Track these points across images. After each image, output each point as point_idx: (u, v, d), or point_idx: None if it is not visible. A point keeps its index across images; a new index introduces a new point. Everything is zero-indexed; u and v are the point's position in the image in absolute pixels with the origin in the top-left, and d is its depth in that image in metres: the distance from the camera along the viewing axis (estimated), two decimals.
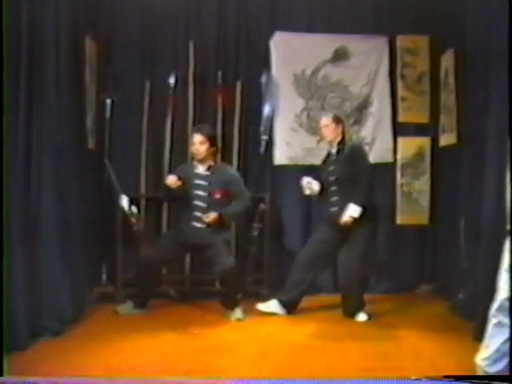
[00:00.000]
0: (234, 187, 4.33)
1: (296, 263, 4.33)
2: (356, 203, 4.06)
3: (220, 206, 4.22)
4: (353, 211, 4.07)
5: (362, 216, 4.07)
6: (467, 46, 4.22)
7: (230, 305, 4.26)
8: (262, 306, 4.27)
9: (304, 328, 3.97)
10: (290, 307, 4.30)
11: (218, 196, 4.24)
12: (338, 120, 4.30)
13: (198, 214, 4.22)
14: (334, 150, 4.30)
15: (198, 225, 4.22)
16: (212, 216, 4.15)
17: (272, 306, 4.27)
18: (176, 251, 4.35)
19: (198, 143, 4.25)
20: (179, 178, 4.19)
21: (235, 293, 4.31)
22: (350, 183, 4.13)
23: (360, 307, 4.23)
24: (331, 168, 4.25)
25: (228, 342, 3.65)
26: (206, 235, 4.19)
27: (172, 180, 4.17)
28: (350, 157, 4.19)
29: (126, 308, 4.33)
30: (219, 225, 4.19)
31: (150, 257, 4.28)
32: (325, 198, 4.29)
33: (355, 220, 4.07)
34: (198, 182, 4.27)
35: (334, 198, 4.21)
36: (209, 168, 4.31)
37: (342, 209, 4.11)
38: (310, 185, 4.25)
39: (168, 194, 4.30)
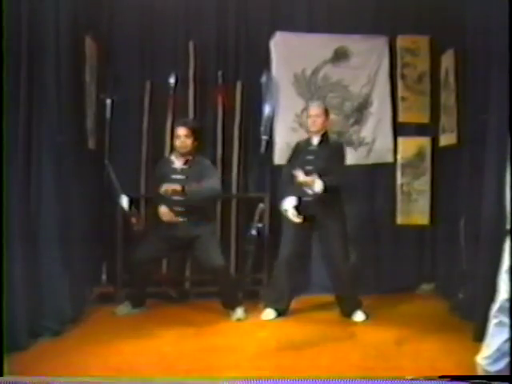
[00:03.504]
0: (208, 172, 4.28)
1: (277, 271, 4.32)
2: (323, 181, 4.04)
3: None
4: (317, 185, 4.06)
5: (331, 206, 4.12)
6: (467, 45, 4.22)
7: (230, 305, 4.27)
8: (264, 316, 4.26)
9: (304, 328, 3.97)
10: (284, 311, 4.30)
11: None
12: (327, 112, 4.33)
13: (177, 208, 4.22)
14: (315, 141, 4.26)
15: (180, 219, 4.22)
16: (174, 187, 4.11)
17: (269, 314, 4.25)
18: (164, 249, 4.33)
19: (184, 136, 4.25)
20: (160, 176, 4.25)
21: (232, 291, 4.33)
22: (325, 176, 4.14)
23: (356, 306, 4.22)
24: (310, 157, 4.22)
25: (228, 342, 3.65)
26: (190, 228, 4.20)
27: (165, 213, 4.18)
28: (333, 152, 4.20)
29: (124, 309, 4.34)
30: (180, 194, 4.14)
31: (139, 256, 4.26)
32: (298, 188, 4.20)
33: (324, 206, 4.08)
34: (174, 176, 4.26)
35: (307, 188, 4.18)
36: (186, 162, 4.30)
37: (315, 200, 4.12)
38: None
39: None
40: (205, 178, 4.22)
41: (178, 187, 4.13)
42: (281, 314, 4.27)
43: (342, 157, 4.23)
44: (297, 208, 4.11)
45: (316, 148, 4.27)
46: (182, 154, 4.29)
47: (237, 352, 3.44)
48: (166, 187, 4.14)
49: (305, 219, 4.11)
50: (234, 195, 5.03)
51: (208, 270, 4.29)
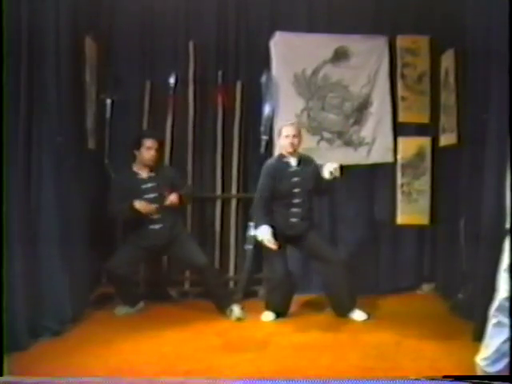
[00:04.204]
0: (178, 181, 4.45)
1: (270, 288, 4.34)
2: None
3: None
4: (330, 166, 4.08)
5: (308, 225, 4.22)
6: (467, 45, 4.21)
7: (223, 302, 4.28)
8: (263, 317, 4.26)
9: (304, 328, 3.97)
10: (284, 312, 4.29)
11: (167, 194, 4.30)
12: (300, 132, 4.34)
13: (152, 216, 4.25)
14: (293, 162, 4.24)
15: (156, 226, 4.27)
16: (173, 197, 4.25)
17: (268, 315, 4.25)
18: (140, 255, 4.38)
19: (155, 150, 4.32)
20: (126, 189, 4.23)
21: (221, 287, 4.44)
22: (310, 196, 4.24)
23: (352, 304, 4.19)
24: (295, 179, 4.20)
25: (228, 342, 3.65)
26: (166, 233, 4.28)
27: (142, 205, 4.16)
28: (314, 170, 4.24)
29: (122, 309, 4.36)
30: (180, 204, 4.33)
31: (112, 264, 4.27)
32: (283, 210, 4.19)
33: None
34: (145, 186, 4.30)
35: (296, 210, 4.19)
36: (151, 170, 4.35)
37: (303, 220, 4.18)
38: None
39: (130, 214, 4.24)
40: (178, 187, 4.36)
41: (175, 195, 4.27)
42: (280, 315, 4.26)
43: (319, 172, 4.23)
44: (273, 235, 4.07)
45: (298, 168, 4.25)
46: (147, 166, 4.33)
47: (237, 352, 3.44)
48: (139, 205, 4.15)
49: (280, 246, 4.09)
50: (234, 195, 5.03)
51: (194, 269, 4.47)
